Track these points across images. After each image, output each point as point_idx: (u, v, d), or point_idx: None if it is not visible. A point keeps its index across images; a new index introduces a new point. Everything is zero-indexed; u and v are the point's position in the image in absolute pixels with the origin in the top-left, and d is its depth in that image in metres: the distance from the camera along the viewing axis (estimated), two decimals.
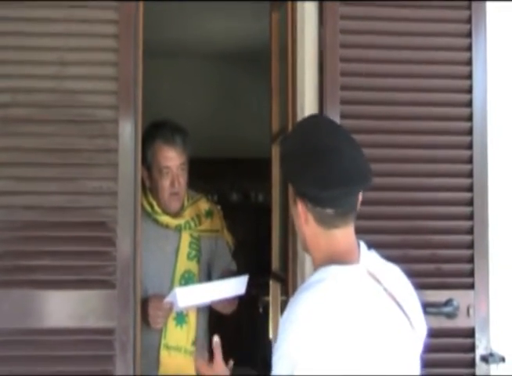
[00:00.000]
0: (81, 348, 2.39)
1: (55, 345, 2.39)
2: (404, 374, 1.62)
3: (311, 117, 1.93)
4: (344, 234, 1.67)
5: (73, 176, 2.46)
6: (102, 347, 2.40)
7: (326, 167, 1.61)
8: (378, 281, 1.66)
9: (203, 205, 2.97)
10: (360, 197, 1.69)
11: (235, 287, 2.66)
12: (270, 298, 3.04)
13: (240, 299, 2.79)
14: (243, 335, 4.21)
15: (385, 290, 1.66)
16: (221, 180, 5.34)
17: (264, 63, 3.39)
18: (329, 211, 1.64)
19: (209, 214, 2.97)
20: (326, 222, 1.65)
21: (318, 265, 1.67)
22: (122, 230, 2.42)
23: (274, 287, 3.02)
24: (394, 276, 1.74)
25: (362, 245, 1.72)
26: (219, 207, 3.13)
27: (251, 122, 5.11)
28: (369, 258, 1.69)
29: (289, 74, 2.77)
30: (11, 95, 2.45)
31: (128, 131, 2.46)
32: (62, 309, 2.39)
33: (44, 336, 2.39)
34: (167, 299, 2.59)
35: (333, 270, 1.61)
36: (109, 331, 2.39)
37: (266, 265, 3.05)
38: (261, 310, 3.09)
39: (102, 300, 2.40)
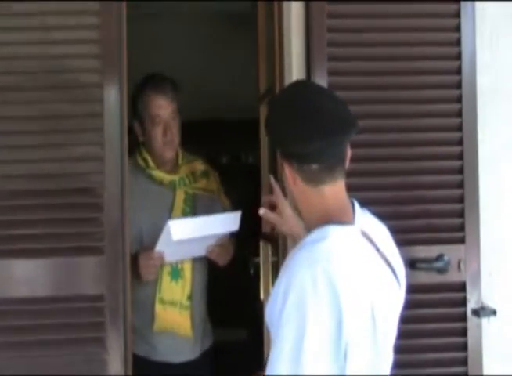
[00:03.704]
0: (71, 315, 2.39)
1: (46, 314, 2.39)
2: (391, 333, 1.66)
3: (296, 82, 1.97)
4: (334, 190, 1.66)
5: (59, 143, 2.44)
6: (92, 314, 2.40)
7: (306, 122, 1.61)
8: (371, 242, 1.66)
9: (199, 166, 2.98)
10: (349, 152, 1.68)
11: (228, 222, 2.65)
12: (261, 260, 3.04)
13: (232, 261, 2.78)
14: (234, 297, 4.23)
15: (377, 250, 1.67)
16: (211, 142, 5.31)
17: (251, 23, 3.35)
18: (315, 166, 1.63)
19: (205, 174, 2.98)
20: (313, 180, 1.65)
21: (312, 226, 1.66)
22: (109, 196, 2.40)
23: (264, 249, 3.01)
24: (384, 235, 1.75)
25: (356, 205, 1.71)
26: (217, 173, 3.12)
27: (239, 83, 5.07)
28: (363, 218, 1.69)
29: (275, 33, 2.73)
30: None
31: (113, 96, 2.43)
32: (51, 276, 2.39)
33: (33, 305, 2.38)
34: (162, 238, 2.56)
35: (331, 230, 1.60)
36: (98, 298, 2.39)
37: (257, 226, 3.04)
38: (251, 272, 3.08)
39: (91, 266, 2.39)
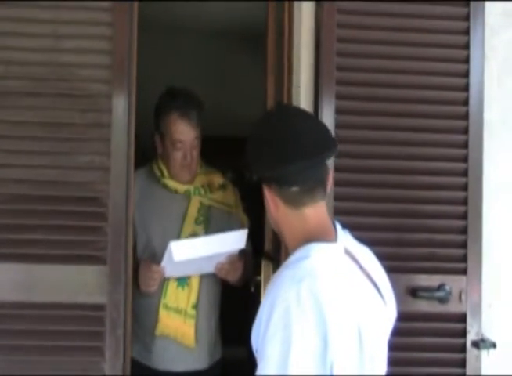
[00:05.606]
0: (71, 323, 2.38)
1: (45, 320, 2.38)
2: (380, 349, 1.63)
3: (275, 106, 1.94)
4: (315, 212, 1.66)
5: (66, 150, 2.43)
6: (92, 323, 2.39)
7: (283, 145, 1.61)
8: (354, 259, 1.66)
9: (217, 179, 2.94)
10: (330, 174, 1.69)
11: (234, 241, 2.59)
12: (262, 278, 3.03)
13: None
14: (234, 315, 4.22)
15: (361, 268, 1.66)
16: (216, 158, 5.31)
17: (261, 41, 3.36)
18: (295, 188, 1.63)
19: (222, 187, 2.93)
20: (293, 202, 1.64)
21: (295, 246, 1.65)
22: (114, 206, 2.40)
23: (266, 267, 3.01)
24: (368, 257, 1.75)
25: (338, 225, 1.72)
26: (237, 189, 3.07)
27: (247, 101, 5.08)
28: (345, 238, 1.70)
29: (285, 53, 2.75)
30: (4, 67, 2.42)
31: (121, 106, 2.44)
32: (53, 283, 2.37)
33: (34, 310, 2.37)
34: (164, 258, 2.53)
35: (314, 247, 1.60)
36: (99, 307, 2.38)
37: (259, 245, 3.02)
38: (252, 290, 3.07)
39: (94, 275, 2.38)
